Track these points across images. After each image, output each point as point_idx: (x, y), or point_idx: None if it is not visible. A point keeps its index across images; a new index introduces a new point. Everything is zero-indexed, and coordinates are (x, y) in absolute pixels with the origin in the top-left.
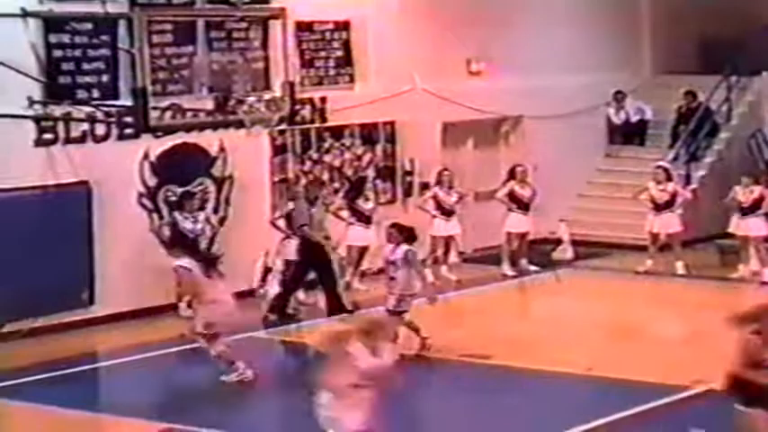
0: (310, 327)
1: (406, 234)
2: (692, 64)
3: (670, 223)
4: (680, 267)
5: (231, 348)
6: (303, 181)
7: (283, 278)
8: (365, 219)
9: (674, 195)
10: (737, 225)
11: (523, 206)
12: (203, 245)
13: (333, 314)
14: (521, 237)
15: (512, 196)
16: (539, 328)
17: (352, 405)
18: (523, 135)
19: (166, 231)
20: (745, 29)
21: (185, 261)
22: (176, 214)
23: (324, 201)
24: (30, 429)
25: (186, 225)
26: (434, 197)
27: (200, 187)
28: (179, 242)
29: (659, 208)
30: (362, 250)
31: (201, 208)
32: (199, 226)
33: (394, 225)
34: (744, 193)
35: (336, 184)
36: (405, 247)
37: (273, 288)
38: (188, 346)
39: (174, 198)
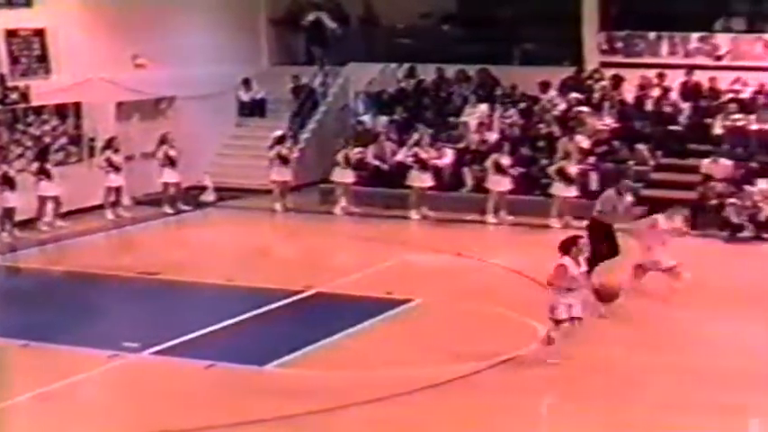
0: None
1: None
2: (300, 57)
3: (287, 173)
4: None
5: None
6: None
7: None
8: (49, 175)
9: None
10: (339, 175)
11: (173, 163)
12: None
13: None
14: (175, 185)
15: (165, 156)
16: (193, 252)
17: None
18: (177, 110)
19: None
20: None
21: None
22: None
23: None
24: None
25: None
26: (107, 159)
27: None
28: None
29: (285, 162)
30: (47, 200)
31: None
32: None
33: None
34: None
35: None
36: None
37: None
38: None
39: None
